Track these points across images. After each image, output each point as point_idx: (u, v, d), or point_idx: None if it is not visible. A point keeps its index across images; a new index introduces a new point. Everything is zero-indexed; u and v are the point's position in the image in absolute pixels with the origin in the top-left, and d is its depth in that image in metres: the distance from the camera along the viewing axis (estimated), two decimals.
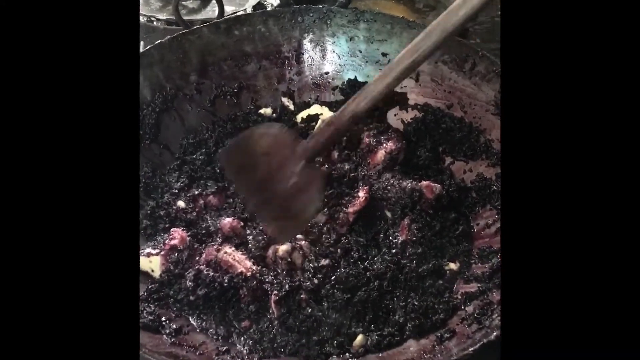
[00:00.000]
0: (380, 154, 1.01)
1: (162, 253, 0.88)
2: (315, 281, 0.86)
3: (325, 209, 0.95)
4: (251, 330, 0.84)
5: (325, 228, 0.94)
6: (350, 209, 0.94)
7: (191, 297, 0.85)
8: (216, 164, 1.03)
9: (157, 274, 0.88)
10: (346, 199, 0.96)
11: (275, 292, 0.84)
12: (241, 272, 0.85)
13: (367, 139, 1.03)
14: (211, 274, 0.85)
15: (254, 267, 0.87)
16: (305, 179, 0.84)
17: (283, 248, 0.89)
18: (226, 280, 0.85)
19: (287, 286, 0.85)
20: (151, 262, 0.88)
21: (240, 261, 0.87)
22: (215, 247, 0.89)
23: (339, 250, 0.91)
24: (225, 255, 0.87)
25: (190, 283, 0.85)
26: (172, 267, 0.88)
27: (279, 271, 0.88)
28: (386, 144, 1.01)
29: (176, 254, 0.89)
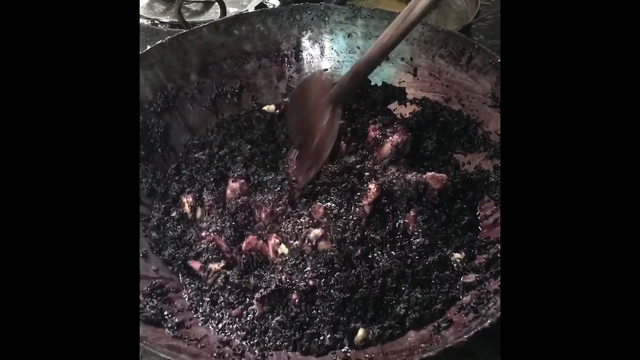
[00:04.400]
0: (387, 147, 1.01)
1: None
2: (311, 283, 0.85)
3: (344, 203, 0.95)
4: (242, 321, 0.84)
5: (350, 224, 0.93)
6: (365, 202, 0.93)
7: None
8: (217, 164, 1.04)
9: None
10: (358, 194, 0.96)
11: (261, 290, 0.85)
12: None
13: (372, 133, 1.03)
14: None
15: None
16: (329, 123, 0.99)
17: (315, 232, 0.91)
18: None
19: (273, 285, 0.85)
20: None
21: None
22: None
23: (359, 251, 0.89)
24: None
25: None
26: None
27: (304, 255, 0.90)
28: (392, 137, 1.01)
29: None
